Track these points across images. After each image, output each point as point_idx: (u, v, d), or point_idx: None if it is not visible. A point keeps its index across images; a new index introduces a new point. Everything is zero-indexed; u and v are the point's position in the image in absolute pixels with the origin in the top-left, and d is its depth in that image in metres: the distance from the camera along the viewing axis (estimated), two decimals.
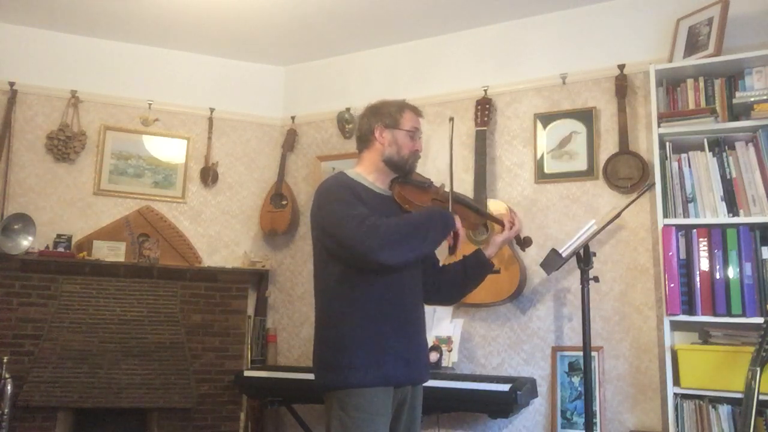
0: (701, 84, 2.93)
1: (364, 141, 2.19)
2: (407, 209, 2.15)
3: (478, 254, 2.29)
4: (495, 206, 3.31)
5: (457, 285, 2.29)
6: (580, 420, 3.06)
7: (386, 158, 2.14)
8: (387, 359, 1.98)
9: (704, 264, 2.73)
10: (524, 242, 2.38)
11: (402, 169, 2.17)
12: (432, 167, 3.62)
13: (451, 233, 2.10)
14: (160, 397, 3.64)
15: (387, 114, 2.16)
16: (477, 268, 2.28)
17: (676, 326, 2.83)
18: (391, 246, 1.93)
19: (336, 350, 2.00)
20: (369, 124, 2.17)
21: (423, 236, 2.01)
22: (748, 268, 2.65)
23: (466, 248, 2.39)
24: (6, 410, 3.13)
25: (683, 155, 2.85)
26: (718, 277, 2.69)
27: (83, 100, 3.93)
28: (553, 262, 2.85)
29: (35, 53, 3.89)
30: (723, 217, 2.73)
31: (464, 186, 3.44)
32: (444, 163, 3.63)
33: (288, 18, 3.68)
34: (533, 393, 3.12)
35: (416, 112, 2.22)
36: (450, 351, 3.26)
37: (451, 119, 2.31)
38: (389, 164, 2.15)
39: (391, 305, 2.04)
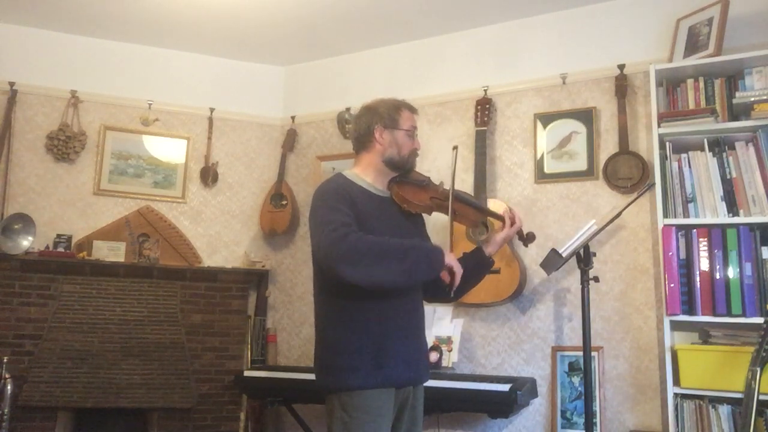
0: (701, 84, 2.93)
1: (363, 142, 2.16)
2: (406, 209, 2.14)
3: (478, 252, 2.26)
4: (495, 206, 3.29)
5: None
6: (580, 420, 3.06)
7: (387, 159, 2.13)
8: (388, 361, 1.98)
9: (704, 264, 2.73)
10: (527, 238, 2.32)
11: (402, 168, 2.16)
12: (431, 167, 3.62)
13: (448, 272, 2.00)
14: (160, 397, 3.64)
15: (385, 114, 2.13)
16: (477, 266, 2.24)
17: (676, 326, 2.83)
18: (353, 262, 1.86)
19: (336, 352, 2.00)
20: (368, 125, 2.14)
21: (397, 264, 1.89)
22: (748, 268, 2.64)
23: (466, 247, 2.39)
24: (6, 410, 3.13)
25: (683, 155, 2.85)
26: (718, 277, 2.69)
27: (83, 100, 3.93)
28: (553, 262, 2.85)
29: (35, 53, 3.89)
30: (723, 217, 2.73)
31: (464, 186, 3.45)
32: (444, 162, 3.63)
33: (288, 18, 3.68)
34: (533, 393, 3.12)
35: (412, 110, 2.21)
36: (450, 351, 3.26)
37: (455, 148, 2.28)
38: (389, 165, 2.14)
39: (391, 306, 2.03)
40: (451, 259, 2.01)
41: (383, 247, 1.92)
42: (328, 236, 1.90)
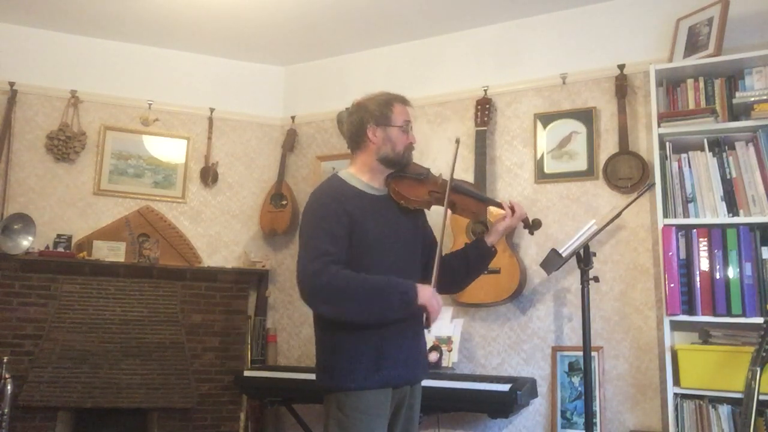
0: (701, 84, 2.93)
1: (357, 142, 2.14)
2: (404, 206, 2.12)
3: (479, 242, 2.24)
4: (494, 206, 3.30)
5: (459, 274, 2.23)
6: (580, 420, 3.06)
7: (381, 157, 2.10)
8: (385, 361, 1.98)
9: (704, 264, 2.73)
10: (534, 225, 2.28)
11: (398, 165, 2.14)
12: (432, 167, 3.60)
13: (424, 307, 1.97)
14: (160, 397, 3.64)
15: (377, 111, 2.11)
16: (479, 256, 2.23)
17: (676, 326, 2.83)
18: (325, 299, 1.91)
19: (335, 354, 2.00)
20: (359, 124, 2.12)
21: (367, 304, 1.91)
22: (748, 268, 2.65)
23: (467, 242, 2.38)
24: (6, 410, 3.13)
25: (683, 155, 2.85)
26: (718, 277, 2.69)
27: (83, 100, 3.93)
28: (553, 262, 2.85)
29: (35, 53, 3.89)
30: (723, 217, 2.73)
31: None
32: (444, 162, 3.63)
33: (288, 18, 3.68)
34: (533, 393, 3.12)
35: (405, 102, 2.17)
36: (450, 351, 3.25)
37: (457, 140, 2.28)
38: (385, 162, 2.11)
39: None
40: (426, 298, 1.96)
41: (357, 285, 1.92)
42: (306, 267, 1.92)
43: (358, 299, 1.91)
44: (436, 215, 2.39)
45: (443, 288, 2.33)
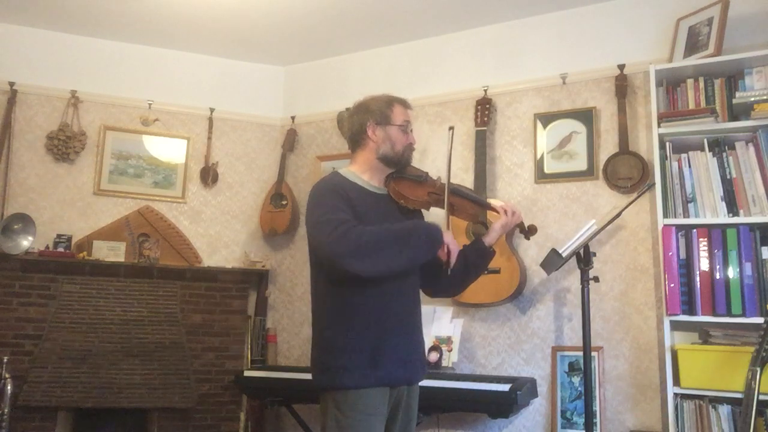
0: (701, 84, 2.93)
1: (357, 141, 2.17)
2: (403, 204, 2.13)
3: (477, 243, 2.24)
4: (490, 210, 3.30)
5: (458, 276, 2.21)
6: (580, 420, 3.06)
7: (381, 155, 2.13)
8: (382, 360, 1.98)
9: (704, 264, 2.73)
10: (529, 230, 2.28)
11: (398, 164, 2.16)
12: (431, 167, 3.61)
13: (446, 249, 2.03)
14: (160, 397, 3.64)
15: (377, 111, 2.14)
16: (477, 256, 2.23)
17: (676, 326, 2.83)
18: (360, 255, 1.90)
19: (331, 351, 2.00)
20: (360, 123, 2.15)
21: (400, 249, 1.95)
22: (748, 268, 2.65)
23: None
24: (6, 410, 3.13)
25: (683, 155, 2.85)
26: (718, 277, 2.70)
27: (83, 100, 3.93)
28: (553, 262, 2.85)
29: (35, 53, 3.89)
30: (723, 217, 2.74)
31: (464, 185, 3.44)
32: (443, 164, 3.62)
33: (288, 18, 3.68)
34: (533, 393, 3.12)
35: (405, 104, 2.21)
36: (450, 351, 3.25)
37: (451, 128, 2.29)
38: (384, 161, 2.14)
39: (386, 305, 2.03)
40: (448, 237, 2.04)
41: (384, 235, 1.96)
42: (329, 235, 1.92)
43: (389, 247, 1.94)
44: (437, 218, 2.39)
45: (442, 291, 2.33)
